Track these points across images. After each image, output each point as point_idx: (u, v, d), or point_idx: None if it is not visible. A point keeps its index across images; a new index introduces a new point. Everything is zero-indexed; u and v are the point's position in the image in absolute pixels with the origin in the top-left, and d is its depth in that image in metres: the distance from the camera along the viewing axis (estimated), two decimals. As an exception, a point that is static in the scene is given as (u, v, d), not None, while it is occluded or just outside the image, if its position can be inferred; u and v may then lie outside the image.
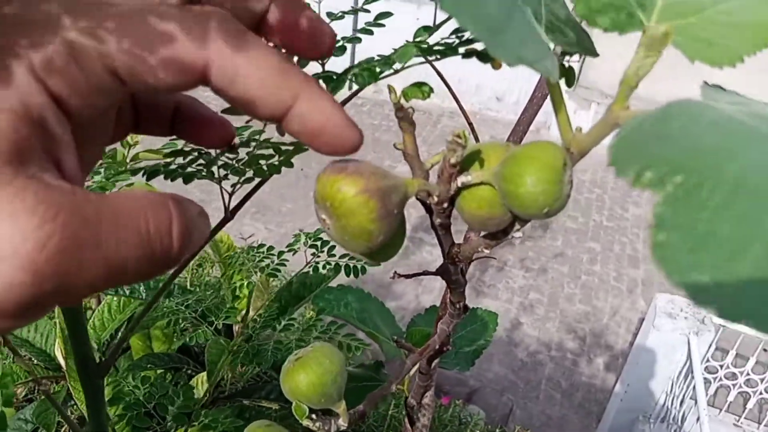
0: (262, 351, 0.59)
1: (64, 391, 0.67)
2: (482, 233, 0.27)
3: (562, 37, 0.23)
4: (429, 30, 0.36)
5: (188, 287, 1.02)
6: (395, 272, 0.30)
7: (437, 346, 0.43)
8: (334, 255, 0.65)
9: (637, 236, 4.21)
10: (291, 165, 0.37)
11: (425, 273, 0.33)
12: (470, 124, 0.58)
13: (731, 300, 0.13)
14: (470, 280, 3.62)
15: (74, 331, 0.38)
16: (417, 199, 0.27)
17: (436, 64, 0.40)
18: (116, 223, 0.17)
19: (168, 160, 0.42)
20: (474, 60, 0.44)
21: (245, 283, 0.67)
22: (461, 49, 0.30)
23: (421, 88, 0.27)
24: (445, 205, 0.25)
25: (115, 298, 0.77)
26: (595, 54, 0.25)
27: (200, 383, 0.71)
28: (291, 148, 0.41)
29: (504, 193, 0.22)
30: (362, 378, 0.64)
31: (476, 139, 0.58)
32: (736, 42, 0.22)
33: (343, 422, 0.30)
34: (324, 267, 0.64)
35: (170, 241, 0.19)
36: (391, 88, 0.25)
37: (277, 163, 0.38)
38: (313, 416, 0.29)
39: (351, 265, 0.62)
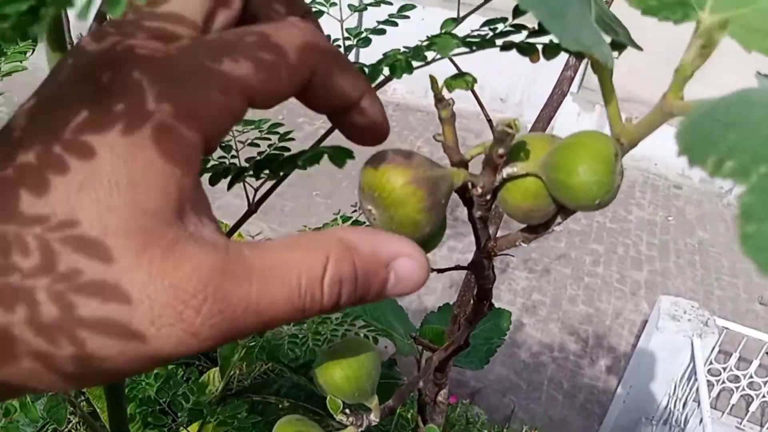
0: (277, 346, 0.58)
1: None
2: (522, 227, 0.27)
3: (609, 29, 0.22)
4: (456, 21, 0.35)
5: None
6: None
7: (462, 343, 0.42)
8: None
9: (640, 238, 4.20)
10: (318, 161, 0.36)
11: (458, 268, 0.32)
12: (489, 121, 0.58)
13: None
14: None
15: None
16: (456, 191, 0.26)
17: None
18: (266, 280, 0.18)
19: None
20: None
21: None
22: (498, 42, 0.30)
23: (464, 78, 0.26)
24: (488, 197, 0.24)
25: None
26: (638, 48, 0.25)
27: (213, 379, 0.71)
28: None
29: (553, 183, 0.22)
30: (376, 376, 0.63)
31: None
32: (790, 32, 0.21)
33: (375, 417, 0.30)
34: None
35: (320, 294, 0.19)
36: (433, 79, 0.25)
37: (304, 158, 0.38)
38: (347, 411, 0.29)
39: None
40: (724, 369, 2.67)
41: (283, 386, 0.79)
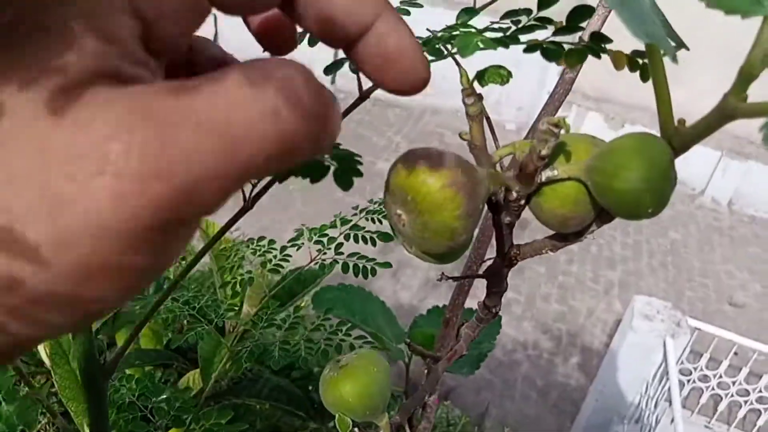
0: (267, 351, 0.56)
1: (47, 388, 0.64)
2: (551, 234, 0.25)
3: (665, 25, 0.20)
4: (471, 13, 0.33)
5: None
6: (443, 273, 0.28)
7: (464, 352, 0.41)
8: (341, 253, 0.61)
9: (614, 238, 4.24)
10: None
11: (474, 276, 0.30)
12: (487, 119, 0.56)
13: None
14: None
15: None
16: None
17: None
18: (228, 101, 0.13)
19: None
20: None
21: (245, 278, 0.64)
22: (523, 38, 0.27)
23: (498, 71, 0.24)
24: (522, 202, 0.22)
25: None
26: (685, 47, 0.23)
27: (193, 381, 0.68)
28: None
29: (601, 189, 0.20)
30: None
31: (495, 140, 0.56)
32: None
33: (385, 436, 0.28)
34: (332, 265, 0.60)
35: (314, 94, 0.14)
36: (463, 72, 0.22)
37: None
38: (356, 429, 0.27)
39: (360, 265, 0.58)
40: (695, 369, 2.70)
41: (264, 388, 0.76)
